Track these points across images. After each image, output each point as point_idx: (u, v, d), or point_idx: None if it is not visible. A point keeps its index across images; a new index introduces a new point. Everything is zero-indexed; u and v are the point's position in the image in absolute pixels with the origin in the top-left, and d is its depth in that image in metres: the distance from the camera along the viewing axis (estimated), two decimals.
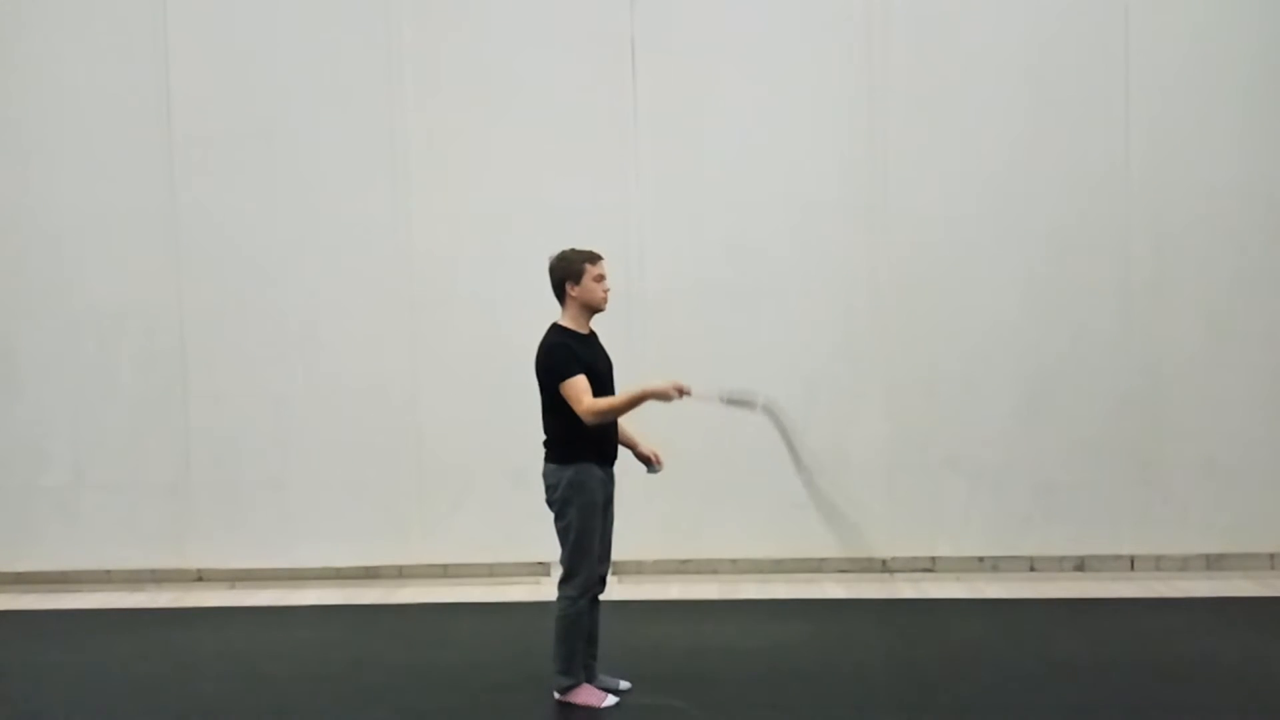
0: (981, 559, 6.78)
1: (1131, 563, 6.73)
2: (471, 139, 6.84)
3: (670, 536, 6.80)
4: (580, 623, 4.49)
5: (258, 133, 6.88)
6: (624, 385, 4.62)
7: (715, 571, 6.87)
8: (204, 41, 6.89)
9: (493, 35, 6.81)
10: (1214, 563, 6.69)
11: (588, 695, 4.56)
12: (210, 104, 6.89)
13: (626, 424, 4.65)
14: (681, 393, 4.37)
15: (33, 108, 6.95)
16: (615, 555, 4.75)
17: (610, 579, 4.78)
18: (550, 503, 4.49)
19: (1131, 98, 6.62)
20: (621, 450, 4.64)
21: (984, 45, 6.68)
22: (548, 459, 4.50)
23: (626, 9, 6.77)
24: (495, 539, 6.83)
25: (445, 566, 6.93)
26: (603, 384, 4.48)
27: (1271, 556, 6.69)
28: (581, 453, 4.43)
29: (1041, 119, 6.66)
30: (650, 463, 4.71)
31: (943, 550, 6.78)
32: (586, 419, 4.33)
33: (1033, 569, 6.75)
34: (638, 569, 6.81)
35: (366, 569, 6.93)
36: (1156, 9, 6.60)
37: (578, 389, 4.34)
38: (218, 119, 6.89)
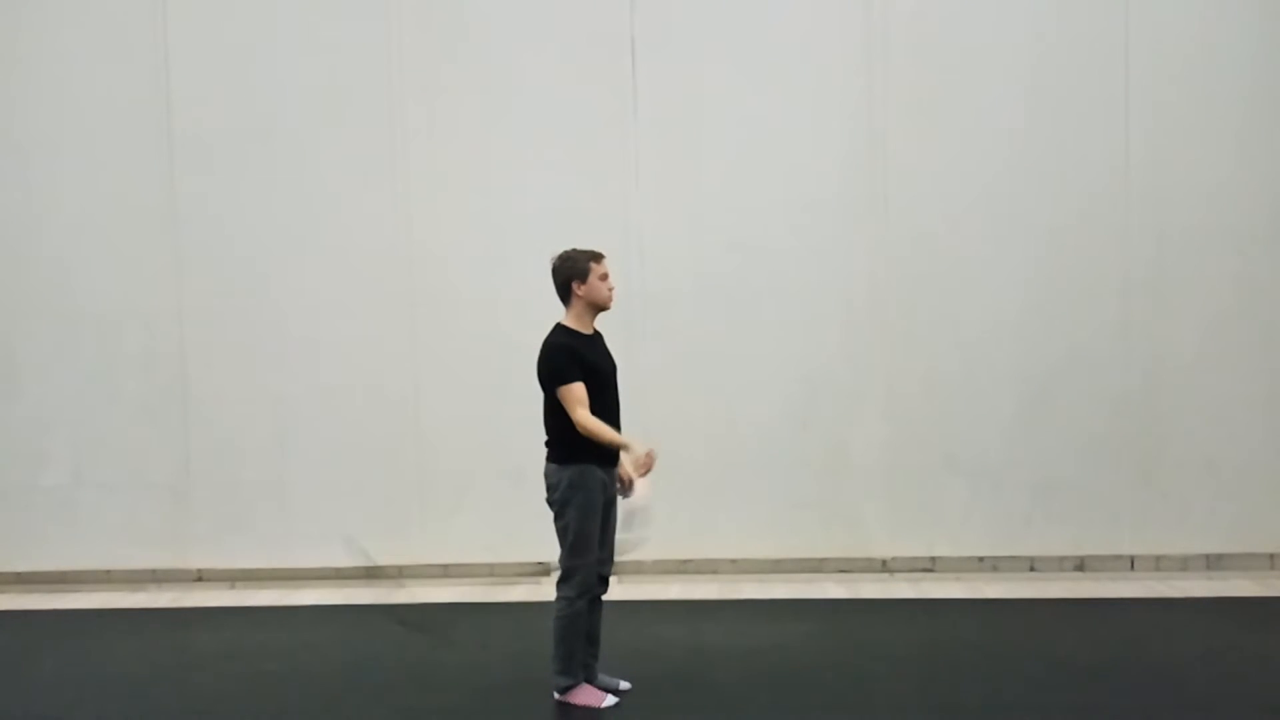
0: (981, 559, 6.78)
1: (1131, 563, 6.73)
2: (471, 139, 6.84)
3: (670, 536, 6.77)
4: (578, 623, 4.49)
5: (258, 132, 6.88)
6: (627, 388, 4.66)
7: (715, 571, 6.87)
8: (204, 41, 6.89)
9: (493, 35, 6.81)
10: (1214, 563, 6.69)
11: (587, 695, 4.56)
12: (210, 104, 6.89)
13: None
14: (645, 468, 4.40)
15: (33, 107, 6.95)
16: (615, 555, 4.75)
17: (611, 579, 4.77)
18: (550, 502, 4.49)
19: (1131, 98, 6.63)
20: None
21: (984, 45, 6.68)
22: (549, 458, 4.50)
23: (626, 9, 6.77)
24: (495, 539, 6.83)
25: (445, 566, 6.93)
26: (606, 384, 4.49)
27: (1271, 556, 6.69)
28: (582, 453, 4.42)
29: (1041, 119, 6.67)
30: (623, 485, 4.67)
31: (943, 550, 6.78)
32: (576, 425, 4.35)
33: (1033, 569, 6.75)
34: (638, 569, 6.80)
35: (366, 569, 6.92)
36: (1156, 9, 6.60)
37: (574, 397, 4.35)
38: (217, 118, 6.89)
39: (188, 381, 6.95)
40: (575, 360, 4.39)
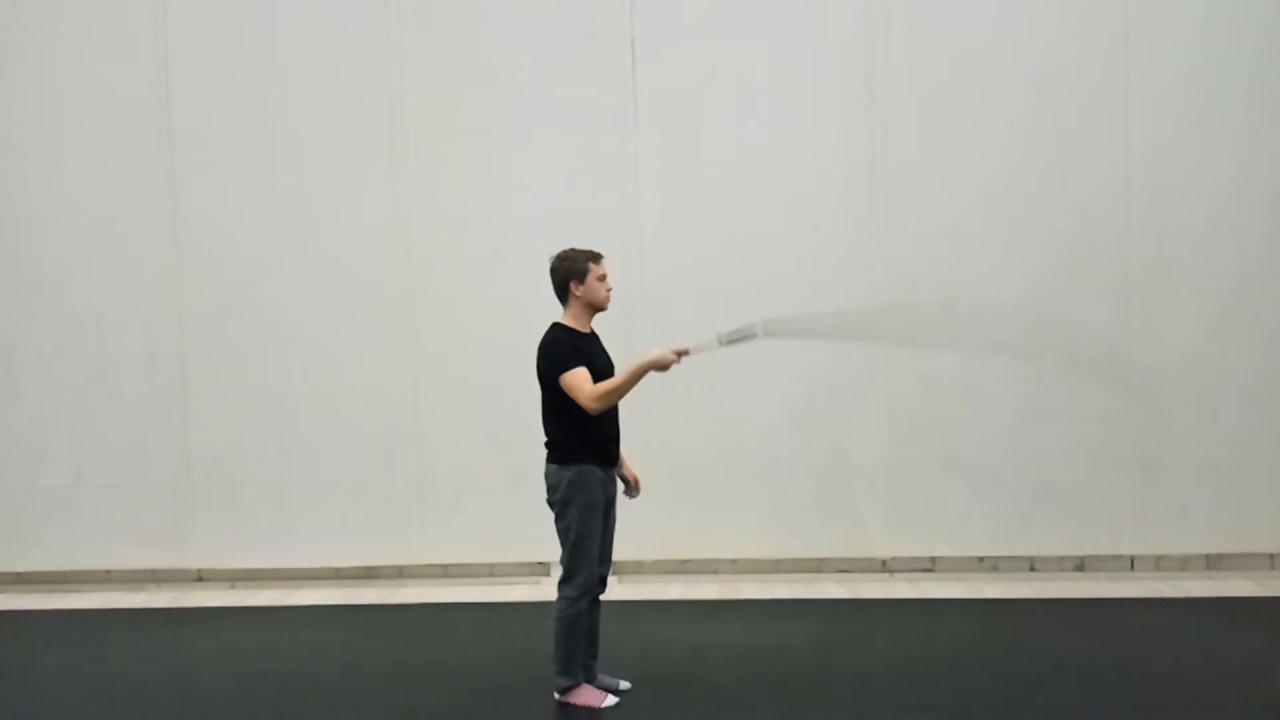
0: (981, 559, 6.78)
1: (1131, 563, 6.73)
2: (471, 139, 6.84)
3: (670, 536, 6.79)
4: (579, 623, 4.49)
5: (258, 132, 6.88)
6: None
7: (715, 571, 6.87)
8: (204, 41, 6.89)
9: (493, 35, 6.81)
10: (1214, 563, 6.69)
11: (588, 695, 4.56)
12: (210, 103, 6.89)
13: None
14: (680, 355, 4.36)
15: (33, 107, 6.95)
16: (615, 555, 4.75)
17: (610, 579, 4.77)
18: (551, 503, 4.49)
19: (1131, 97, 6.62)
20: (634, 451, 4.63)
21: (984, 45, 6.68)
22: (549, 459, 4.50)
23: (626, 9, 6.77)
24: (495, 539, 6.83)
25: (445, 566, 6.93)
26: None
27: (1271, 556, 6.69)
28: (582, 454, 4.43)
29: (1041, 119, 6.66)
30: (629, 485, 4.71)
31: (943, 550, 6.78)
32: (590, 405, 4.32)
33: (1033, 569, 6.75)
34: (638, 569, 6.81)
35: (366, 569, 6.93)
36: (1156, 9, 6.60)
37: (578, 379, 4.34)
38: (218, 118, 6.89)
39: (188, 381, 6.95)
40: (574, 350, 4.40)
